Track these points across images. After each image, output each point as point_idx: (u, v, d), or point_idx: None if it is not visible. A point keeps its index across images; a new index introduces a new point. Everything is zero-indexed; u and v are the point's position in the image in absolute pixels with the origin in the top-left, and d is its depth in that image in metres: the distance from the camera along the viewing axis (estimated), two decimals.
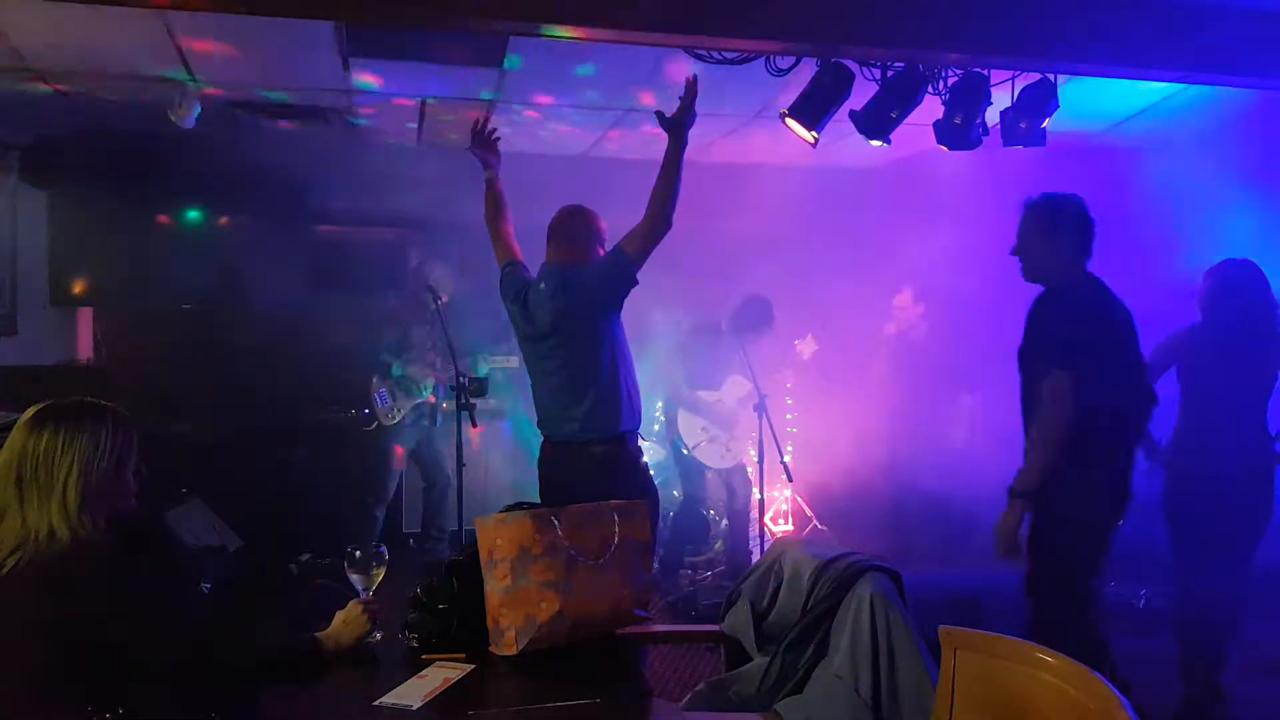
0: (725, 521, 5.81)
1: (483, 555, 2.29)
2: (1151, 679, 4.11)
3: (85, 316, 6.12)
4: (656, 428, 5.99)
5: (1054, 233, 3.19)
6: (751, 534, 5.90)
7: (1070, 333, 3.05)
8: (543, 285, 3.41)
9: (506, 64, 4.49)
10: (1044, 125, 4.23)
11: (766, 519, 5.82)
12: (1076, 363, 2.99)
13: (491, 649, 2.25)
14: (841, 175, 6.57)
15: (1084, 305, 3.11)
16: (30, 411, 1.90)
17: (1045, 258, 3.21)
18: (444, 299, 5.19)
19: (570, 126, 5.85)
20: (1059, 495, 3.05)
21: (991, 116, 4.24)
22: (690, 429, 5.47)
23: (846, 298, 6.02)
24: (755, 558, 5.41)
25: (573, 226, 3.53)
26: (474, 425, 4.75)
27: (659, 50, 4.16)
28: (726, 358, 5.44)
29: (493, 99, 5.22)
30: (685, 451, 5.48)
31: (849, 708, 2.32)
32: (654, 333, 5.60)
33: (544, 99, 5.28)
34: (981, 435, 5.54)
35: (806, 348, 6.03)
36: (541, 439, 3.52)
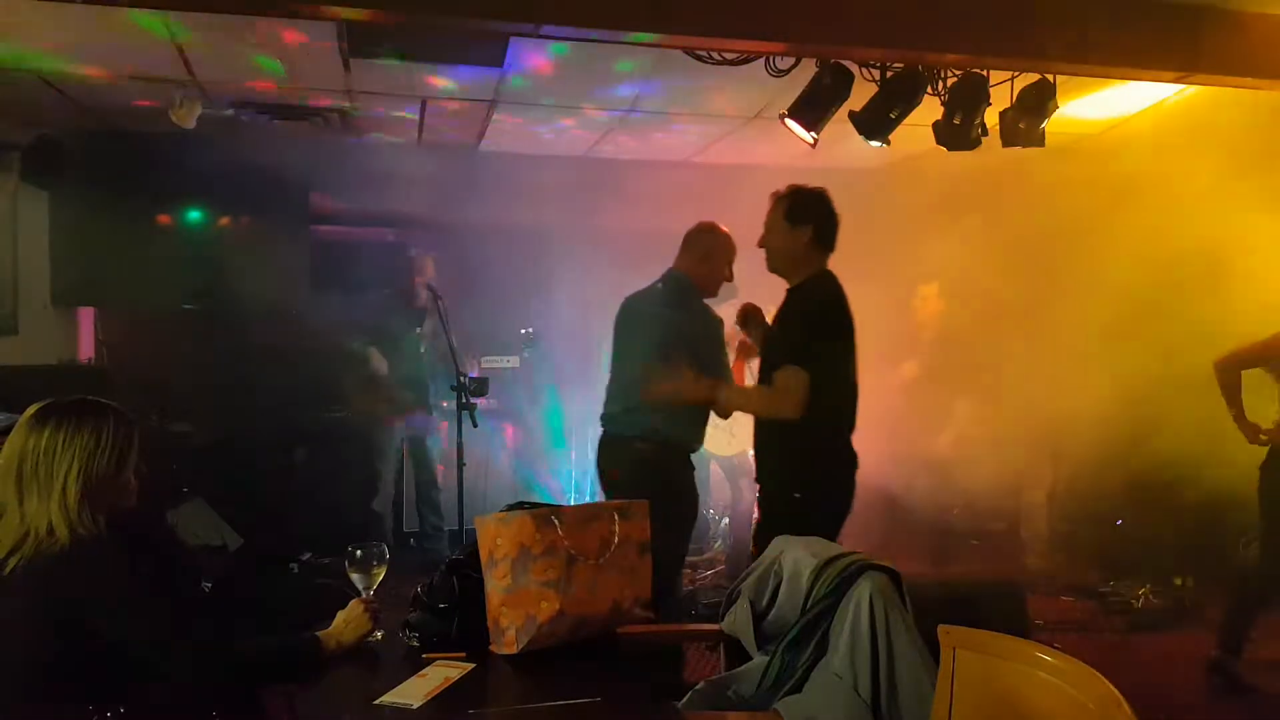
0: (726, 520, 5.80)
1: (483, 555, 2.29)
2: (1153, 679, 4.15)
3: (86, 316, 6.12)
4: None
5: (797, 226, 3.24)
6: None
7: (811, 331, 3.11)
8: None
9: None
10: (1043, 125, 4.24)
11: None
12: (811, 360, 3.06)
13: (492, 648, 2.25)
14: (841, 176, 6.57)
15: (826, 303, 3.19)
16: (31, 410, 1.91)
17: (787, 251, 3.26)
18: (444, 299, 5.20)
19: (570, 126, 5.85)
20: (813, 493, 3.12)
21: (991, 116, 4.25)
22: None
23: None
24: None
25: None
26: (474, 425, 4.76)
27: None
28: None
29: (494, 99, 5.22)
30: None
31: (849, 707, 2.32)
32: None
33: (547, 100, 5.29)
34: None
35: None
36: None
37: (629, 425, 3.66)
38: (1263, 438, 4.08)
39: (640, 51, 4.30)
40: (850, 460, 3.23)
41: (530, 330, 5.98)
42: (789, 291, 3.34)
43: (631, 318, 3.80)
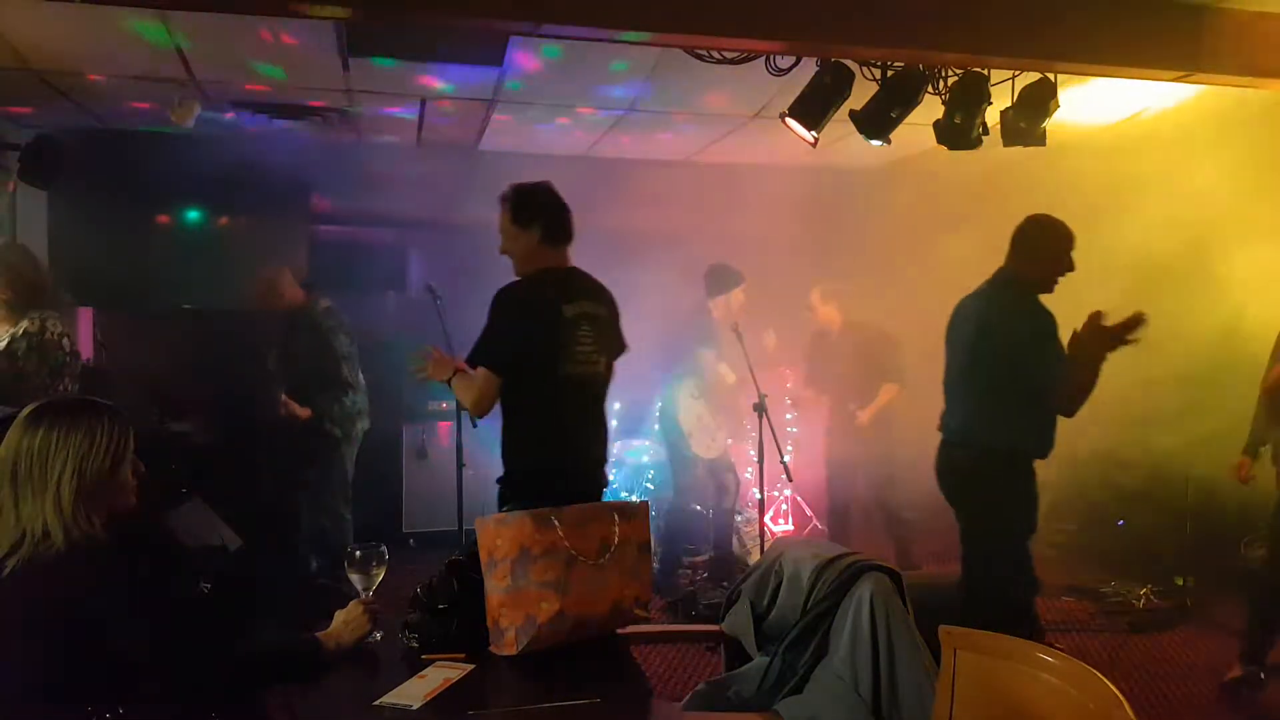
0: (711, 512, 5.79)
1: (483, 555, 2.29)
2: (1154, 679, 4.14)
3: (85, 316, 6.11)
4: (657, 427, 5.98)
5: (524, 227, 3.16)
6: (751, 534, 5.90)
7: (491, 330, 3.05)
8: None
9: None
10: (1044, 124, 4.23)
11: (766, 519, 5.81)
12: (495, 360, 3.02)
13: (492, 649, 2.25)
14: (841, 175, 6.58)
15: (521, 303, 3.08)
16: (27, 409, 1.90)
17: (521, 253, 3.18)
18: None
19: (570, 126, 5.85)
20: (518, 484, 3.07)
21: (992, 115, 4.24)
22: (689, 413, 5.44)
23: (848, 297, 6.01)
24: (755, 558, 5.41)
25: None
26: (474, 425, 4.74)
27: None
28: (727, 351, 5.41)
29: (494, 99, 5.22)
30: (680, 438, 5.44)
31: (849, 708, 2.32)
32: (658, 329, 5.60)
33: (548, 99, 5.29)
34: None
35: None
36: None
37: (961, 432, 3.62)
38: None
39: (640, 51, 4.29)
40: None
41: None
42: None
43: (958, 323, 3.72)
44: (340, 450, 5.24)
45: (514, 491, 3.06)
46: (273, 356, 5.25)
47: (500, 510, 2.94)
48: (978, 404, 3.58)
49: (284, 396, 5.12)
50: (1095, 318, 3.23)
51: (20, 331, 3.64)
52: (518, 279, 3.17)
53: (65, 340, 3.78)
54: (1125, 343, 3.20)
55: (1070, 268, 3.53)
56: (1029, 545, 3.52)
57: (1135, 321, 3.18)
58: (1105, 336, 3.22)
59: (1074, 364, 3.28)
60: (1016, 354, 3.42)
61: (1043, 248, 3.54)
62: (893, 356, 5.52)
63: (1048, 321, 3.43)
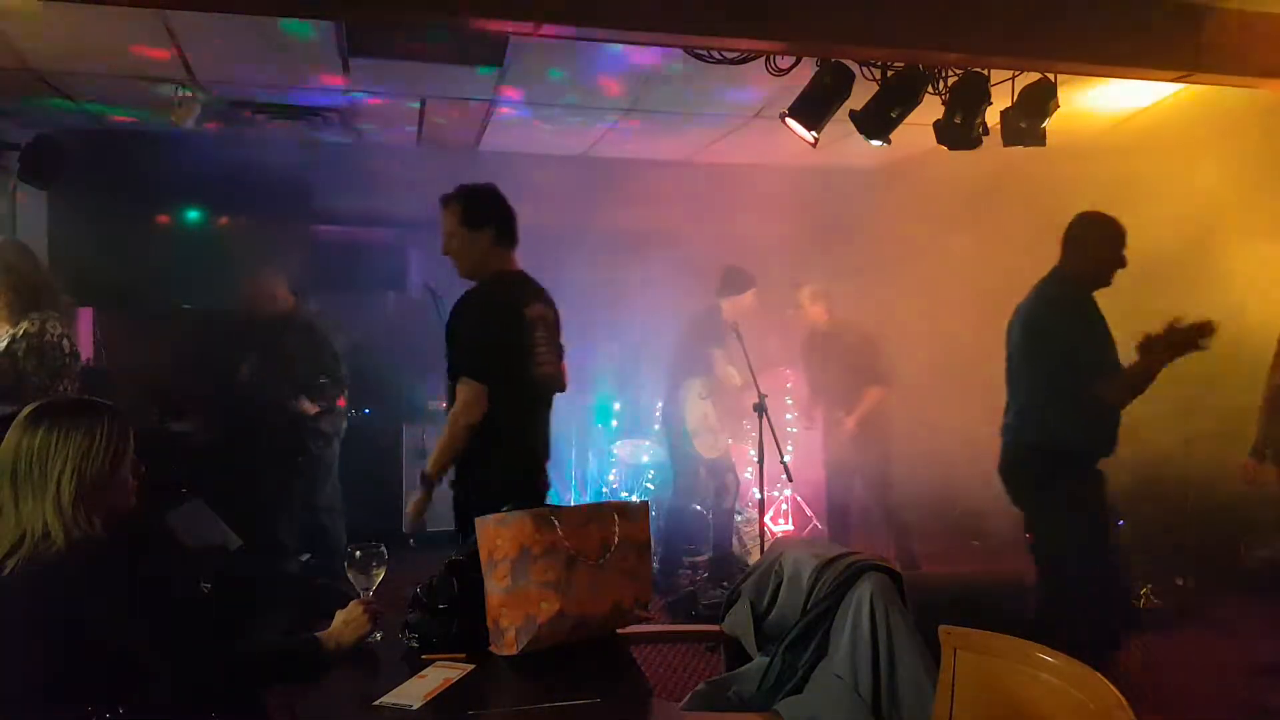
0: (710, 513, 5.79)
1: (483, 555, 2.29)
2: (1154, 679, 4.14)
3: (85, 316, 6.11)
4: (657, 427, 5.98)
5: (478, 229, 3.15)
6: (751, 534, 5.90)
7: (474, 341, 3.03)
8: None
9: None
10: (1044, 124, 4.23)
11: (766, 519, 5.81)
12: (483, 372, 3.00)
13: (492, 649, 2.25)
14: (841, 175, 6.58)
15: (494, 307, 3.08)
16: (26, 410, 1.90)
17: (471, 255, 3.17)
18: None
19: (570, 126, 5.85)
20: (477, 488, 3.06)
21: (992, 115, 4.24)
22: (695, 412, 5.44)
23: (847, 297, 6.02)
24: (755, 558, 5.41)
25: None
26: None
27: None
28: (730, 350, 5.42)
29: (492, 99, 5.22)
30: (684, 437, 5.44)
31: (849, 708, 2.32)
32: (658, 329, 5.60)
33: (543, 99, 5.29)
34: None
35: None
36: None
37: (1022, 433, 3.60)
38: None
39: (639, 50, 4.30)
40: None
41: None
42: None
43: (1015, 323, 3.71)
44: (333, 446, 5.36)
45: (493, 503, 3.05)
46: (247, 366, 5.24)
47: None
48: (1036, 403, 3.57)
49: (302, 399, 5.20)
50: (1173, 323, 3.23)
51: (20, 333, 3.64)
52: (478, 284, 3.16)
53: (65, 341, 3.77)
54: (1197, 348, 3.20)
55: (1123, 263, 3.54)
56: (1103, 548, 3.51)
57: (1207, 329, 3.18)
58: (1179, 341, 3.22)
59: (1137, 364, 3.29)
60: (1072, 351, 3.43)
61: (1094, 245, 3.56)
62: (875, 359, 5.50)
63: (1101, 319, 3.46)
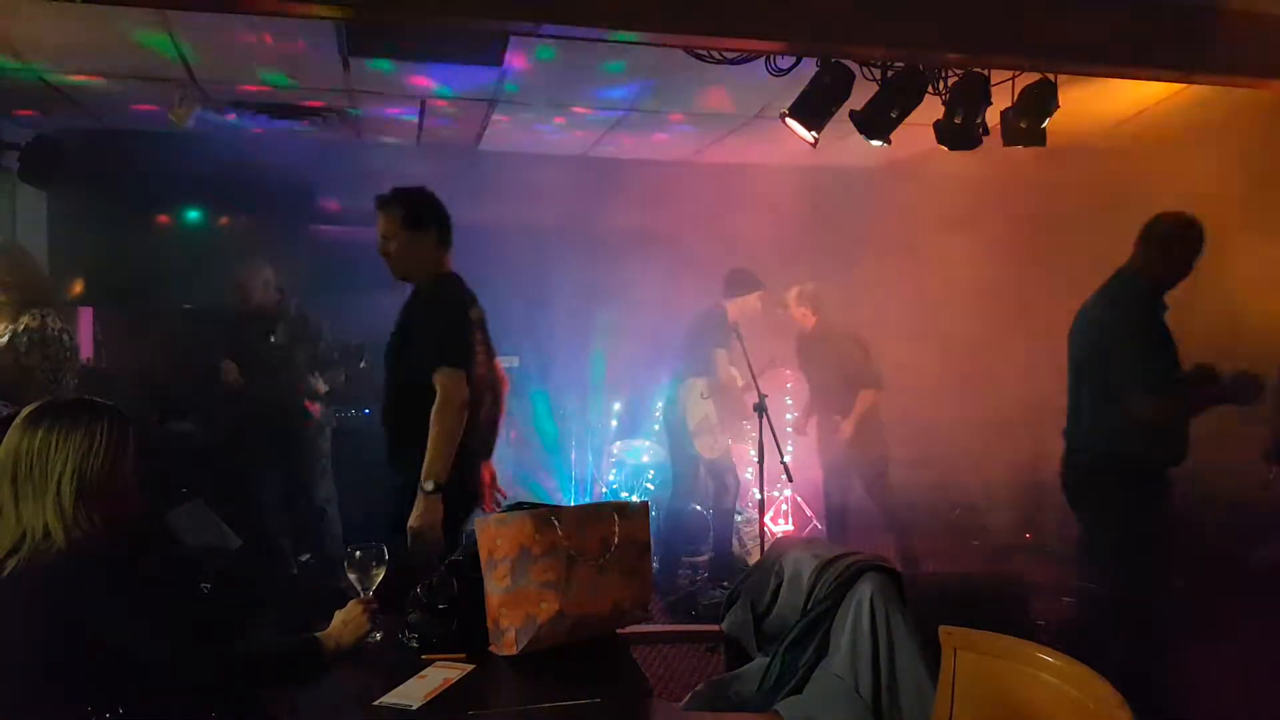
0: (710, 512, 5.78)
1: (483, 555, 2.29)
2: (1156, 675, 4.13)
3: (85, 316, 6.11)
4: (657, 427, 5.98)
5: (420, 230, 3.15)
6: (751, 534, 5.90)
7: (449, 331, 3.05)
8: None
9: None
10: (1044, 124, 4.23)
11: (766, 519, 5.81)
12: (463, 359, 3.02)
13: (491, 649, 2.25)
14: (841, 175, 6.58)
15: (454, 301, 3.13)
16: (26, 410, 1.90)
17: (413, 257, 3.16)
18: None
19: (571, 126, 5.85)
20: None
21: (992, 115, 4.24)
22: (697, 413, 5.44)
23: (848, 296, 6.02)
24: (755, 558, 5.40)
25: None
26: None
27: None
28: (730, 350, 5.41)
29: (493, 99, 5.22)
30: (685, 437, 5.44)
31: (849, 708, 2.32)
32: (659, 329, 5.60)
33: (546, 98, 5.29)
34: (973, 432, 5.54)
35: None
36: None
37: (1082, 438, 3.56)
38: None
39: (640, 50, 4.29)
40: None
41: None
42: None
43: (1079, 326, 3.65)
44: (325, 434, 5.40)
45: (461, 502, 3.04)
46: (229, 364, 5.19)
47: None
48: (1107, 410, 3.43)
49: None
50: (1243, 373, 3.21)
51: (21, 327, 3.65)
52: (431, 282, 3.17)
53: (65, 335, 3.79)
54: (1240, 403, 3.19)
55: (1190, 271, 3.44)
56: (1165, 557, 3.43)
57: (1259, 388, 3.16)
58: (1239, 394, 3.20)
59: (1198, 393, 3.25)
60: (1137, 356, 3.32)
61: (1177, 247, 3.43)
62: (864, 362, 5.46)
63: (1158, 326, 3.36)
